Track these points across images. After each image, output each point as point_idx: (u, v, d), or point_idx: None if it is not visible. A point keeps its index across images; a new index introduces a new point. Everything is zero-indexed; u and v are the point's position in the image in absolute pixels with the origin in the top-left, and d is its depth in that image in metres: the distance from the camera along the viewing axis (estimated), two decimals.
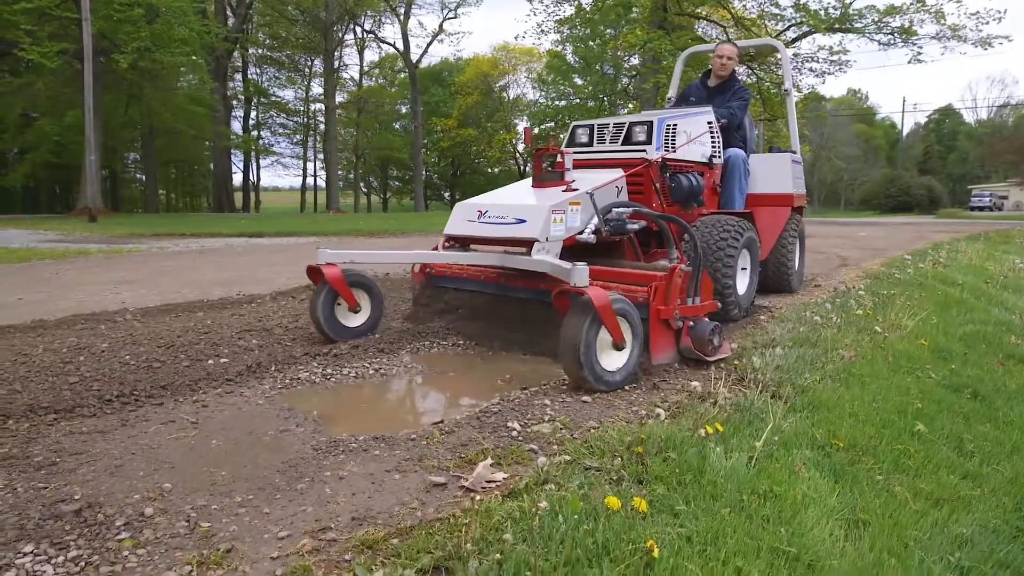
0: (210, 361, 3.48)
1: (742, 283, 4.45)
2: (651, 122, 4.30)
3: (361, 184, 51.71)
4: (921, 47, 20.52)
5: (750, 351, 3.51)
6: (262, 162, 46.23)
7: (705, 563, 1.52)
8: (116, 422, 2.55)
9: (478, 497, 1.85)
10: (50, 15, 21.95)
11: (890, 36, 20.65)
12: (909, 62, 20.82)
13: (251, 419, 2.61)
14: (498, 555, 1.46)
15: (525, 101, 47.08)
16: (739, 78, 5.38)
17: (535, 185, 4.04)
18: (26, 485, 1.98)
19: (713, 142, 4.86)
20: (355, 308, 3.86)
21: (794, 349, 3.51)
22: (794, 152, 5.81)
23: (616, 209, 3.70)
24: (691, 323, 3.32)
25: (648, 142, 4.25)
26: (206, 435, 2.43)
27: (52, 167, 31.86)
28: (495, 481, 2.00)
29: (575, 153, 4.37)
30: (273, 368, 3.31)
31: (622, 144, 4.37)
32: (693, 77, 6.31)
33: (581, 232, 3.62)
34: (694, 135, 4.58)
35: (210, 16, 30.42)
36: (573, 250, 3.69)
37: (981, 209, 37.30)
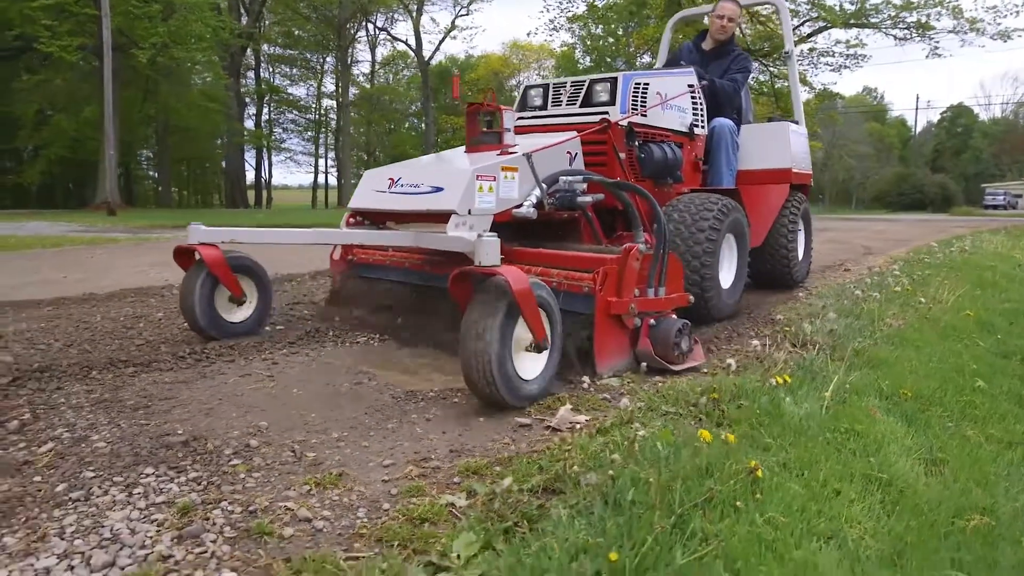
0: (267, 328, 3.55)
1: (727, 274, 3.77)
2: (615, 79, 3.61)
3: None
4: (938, 42, 20.47)
5: (798, 320, 3.56)
6: (273, 159, 46.47)
7: (806, 484, 1.57)
8: (194, 375, 2.63)
9: (579, 427, 1.92)
10: (69, 12, 22.13)
11: (906, 31, 20.61)
12: (927, 56, 20.67)
13: (323, 374, 2.69)
14: (610, 471, 1.53)
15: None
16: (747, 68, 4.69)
17: (469, 150, 3.40)
18: (128, 422, 2.06)
19: (695, 108, 4.12)
20: (239, 299, 3.23)
21: (840, 319, 3.56)
22: (796, 122, 5.05)
23: (564, 178, 3.08)
24: (652, 321, 2.71)
25: (611, 103, 3.56)
26: (284, 386, 2.50)
27: (67, 163, 32.09)
28: (578, 422, 2.07)
29: (526, 118, 3.87)
30: (331, 333, 3.39)
31: (580, 106, 3.69)
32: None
33: (519, 206, 2.92)
34: (670, 98, 3.88)
35: (224, 13, 30.61)
36: (511, 228, 3.07)
37: (995, 207, 37.10)
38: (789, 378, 2.39)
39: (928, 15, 19.85)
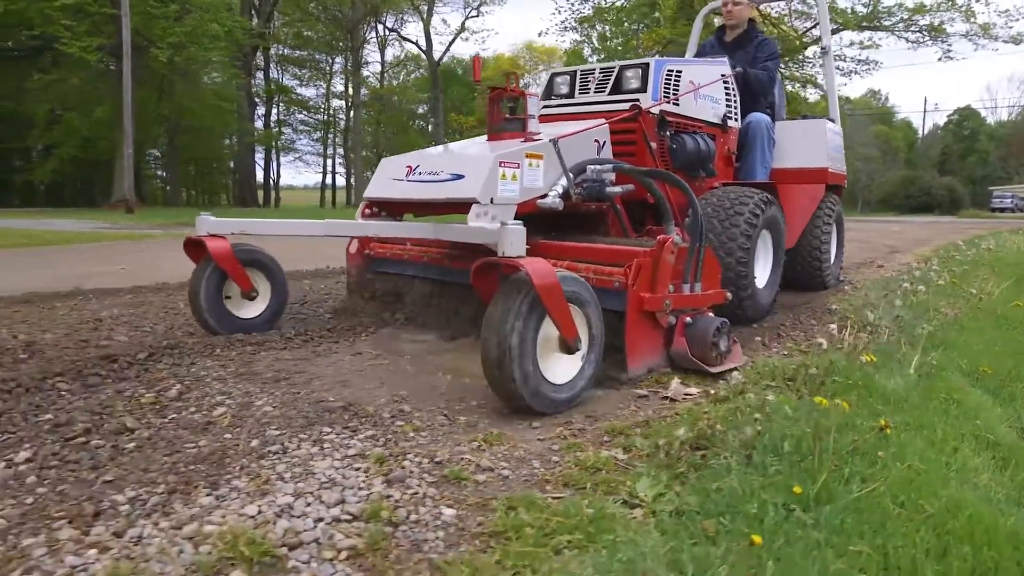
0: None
1: (761, 273, 3.60)
2: (646, 64, 3.48)
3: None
4: (951, 45, 20.66)
5: (854, 310, 3.73)
6: (282, 159, 46.66)
7: (928, 441, 1.75)
8: (308, 353, 2.81)
9: (693, 397, 2.09)
10: (87, 12, 22.35)
11: (918, 34, 20.79)
12: (940, 59, 20.83)
13: (430, 354, 2.86)
14: (758, 427, 1.70)
15: None
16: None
17: (490, 137, 3.21)
18: (279, 391, 2.23)
19: (729, 100, 4.03)
20: (250, 294, 3.12)
21: (895, 308, 3.73)
22: (832, 120, 4.92)
23: (593, 167, 2.92)
24: (688, 319, 2.56)
25: (642, 90, 3.43)
26: (398, 364, 2.68)
27: (76, 163, 32.20)
28: (691, 393, 2.25)
29: (553, 106, 3.75)
30: (420, 320, 3.55)
31: (610, 93, 3.56)
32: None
33: (543, 196, 2.78)
34: (702, 86, 3.77)
35: (236, 13, 30.86)
36: (534, 221, 2.76)
37: (1003, 210, 37.26)
38: (874, 357, 2.57)
39: (943, 20, 20.04)
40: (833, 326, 3.18)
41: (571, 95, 3.74)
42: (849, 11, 21.11)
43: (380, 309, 3.48)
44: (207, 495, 1.48)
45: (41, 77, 25.73)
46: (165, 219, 16.46)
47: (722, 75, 3.98)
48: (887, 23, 20.86)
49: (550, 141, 2.83)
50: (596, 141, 3.17)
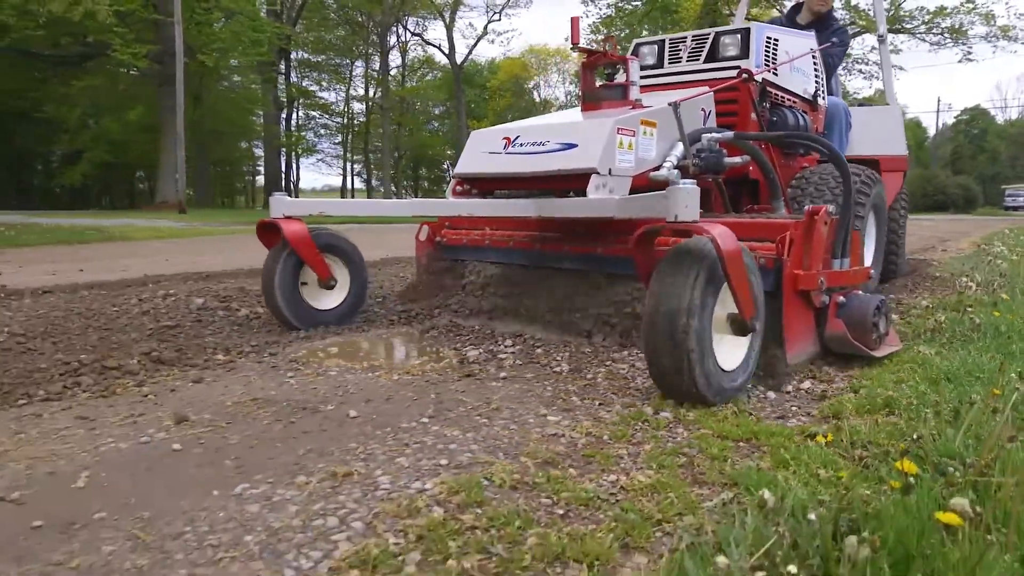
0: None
1: (868, 253, 3.52)
2: (747, 30, 3.27)
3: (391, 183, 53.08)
4: (971, 48, 21.54)
5: (964, 273, 4.55)
6: (302, 162, 47.64)
7: None
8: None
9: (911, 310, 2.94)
10: (137, 18, 23.26)
11: (939, 36, 21.66)
12: (960, 61, 21.70)
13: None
14: (976, 320, 2.54)
15: (557, 104, 48.36)
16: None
17: (585, 107, 2.96)
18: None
19: (816, 75, 3.82)
20: (328, 282, 2.93)
21: (997, 269, 4.56)
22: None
23: (707, 136, 2.62)
24: (841, 298, 2.34)
25: (743, 57, 3.22)
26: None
27: (99, 166, 32.62)
28: None
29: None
30: None
31: (705, 61, 3.34)
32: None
33: (657, 168, 2.55)
34: (795, 58, 3.55)
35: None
36: None
37: (1016, 208, 38.02)
38: (1008, 296, 3.41)
39: (961, 21, 20.90)
40: (966, 279, 4.01)
41: (660, 65, 3.53)
42: (872, 14, 22.01)
43: (459, 298, 3.29)
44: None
45: (77, 83, 26.52)
46: (220, 218, 17.15)
47: (811, 48, 3.78)
48: (908, 26, 21.71)
49: (669, 105, 2.57)
50: (703, 110, 2.97)
